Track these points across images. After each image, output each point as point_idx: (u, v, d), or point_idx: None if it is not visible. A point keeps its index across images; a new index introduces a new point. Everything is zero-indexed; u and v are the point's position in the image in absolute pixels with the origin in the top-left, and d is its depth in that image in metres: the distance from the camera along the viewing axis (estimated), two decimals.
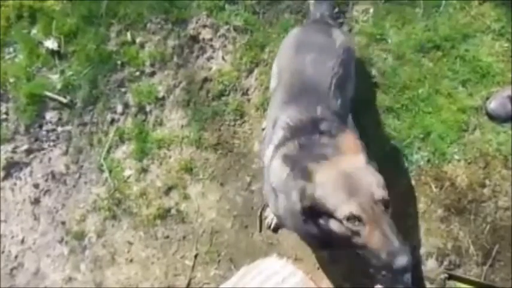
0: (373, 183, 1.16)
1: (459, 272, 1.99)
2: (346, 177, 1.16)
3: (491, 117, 2.12)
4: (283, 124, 1.49)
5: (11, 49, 2.39)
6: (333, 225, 1.17)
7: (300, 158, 1.30)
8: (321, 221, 1.19)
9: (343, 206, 1.13)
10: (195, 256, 2.11)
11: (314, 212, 1.20)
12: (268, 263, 1.16)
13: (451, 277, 1.98)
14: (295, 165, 1.28)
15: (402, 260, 1.07)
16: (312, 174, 1.19)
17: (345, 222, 1.13)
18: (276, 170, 1.41)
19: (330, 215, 1.16)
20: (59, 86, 2.31)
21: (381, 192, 1.14)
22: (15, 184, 2.27)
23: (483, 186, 2.08)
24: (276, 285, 1.08)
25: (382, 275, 1.18)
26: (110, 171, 2.22)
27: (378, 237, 1.10)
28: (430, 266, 2.01)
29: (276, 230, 2.06)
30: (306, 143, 1.39)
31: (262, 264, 1.17)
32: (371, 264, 1.15)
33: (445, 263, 2.01)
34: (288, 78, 1.65)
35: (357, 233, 1.13)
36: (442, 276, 1.99)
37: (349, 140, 1.27)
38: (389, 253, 1.08)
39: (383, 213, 1.13)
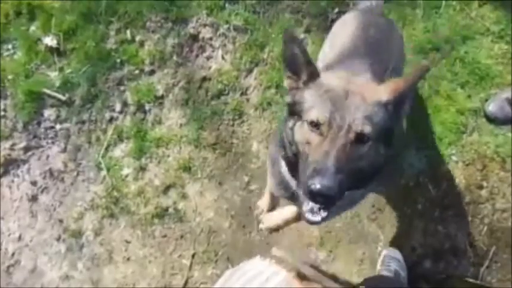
0: (362, 114, 1.06)
1: (456, 273, 2.00)
2: (342, 94, 1.09)
3: (490, 119, 2.12)
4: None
5: (10, 46, 2.38)
6: (297, 127, 1.14)
7: None
8: (291, 121, 1.16)
9: (314, 110, 1.09)
10: (193, 255, 2.11)
11: (293, 111, 1.17)
12: (252, 264, 1.16)
13: (447, 278, 1.99)
14: None
15: (318, 182, 0.98)
16: (316, 77, 1.14)
17: (306, 124, 1.10)
18: None
19: (300, 116, 1.13)
20: (57, 84, 2.31)
21: (362, 126, 1.05)
22: (12, 181, 2.27)
23: (481, 187, 2.08)
24: (260, 285, 1.07)
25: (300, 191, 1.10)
26: (108, 170, 2.22)
27: (319, 153, 1.04)
28: (427, 266, 2.01)
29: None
30: None
31: (246, 266, 1.17)
32: (300, 179, 1.10)
33: (442, 263, 2.02)
34: (347, 52, 1.60)
35: (309, 142, 1.09)
36: (439, 276, 1.99)
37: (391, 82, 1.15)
38: (315, 169, 1.02)
39: (346, 141, 1.04)
